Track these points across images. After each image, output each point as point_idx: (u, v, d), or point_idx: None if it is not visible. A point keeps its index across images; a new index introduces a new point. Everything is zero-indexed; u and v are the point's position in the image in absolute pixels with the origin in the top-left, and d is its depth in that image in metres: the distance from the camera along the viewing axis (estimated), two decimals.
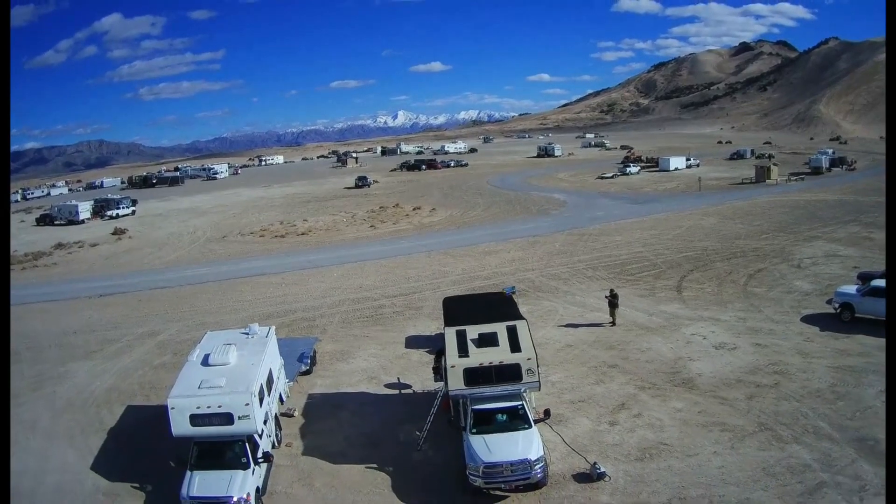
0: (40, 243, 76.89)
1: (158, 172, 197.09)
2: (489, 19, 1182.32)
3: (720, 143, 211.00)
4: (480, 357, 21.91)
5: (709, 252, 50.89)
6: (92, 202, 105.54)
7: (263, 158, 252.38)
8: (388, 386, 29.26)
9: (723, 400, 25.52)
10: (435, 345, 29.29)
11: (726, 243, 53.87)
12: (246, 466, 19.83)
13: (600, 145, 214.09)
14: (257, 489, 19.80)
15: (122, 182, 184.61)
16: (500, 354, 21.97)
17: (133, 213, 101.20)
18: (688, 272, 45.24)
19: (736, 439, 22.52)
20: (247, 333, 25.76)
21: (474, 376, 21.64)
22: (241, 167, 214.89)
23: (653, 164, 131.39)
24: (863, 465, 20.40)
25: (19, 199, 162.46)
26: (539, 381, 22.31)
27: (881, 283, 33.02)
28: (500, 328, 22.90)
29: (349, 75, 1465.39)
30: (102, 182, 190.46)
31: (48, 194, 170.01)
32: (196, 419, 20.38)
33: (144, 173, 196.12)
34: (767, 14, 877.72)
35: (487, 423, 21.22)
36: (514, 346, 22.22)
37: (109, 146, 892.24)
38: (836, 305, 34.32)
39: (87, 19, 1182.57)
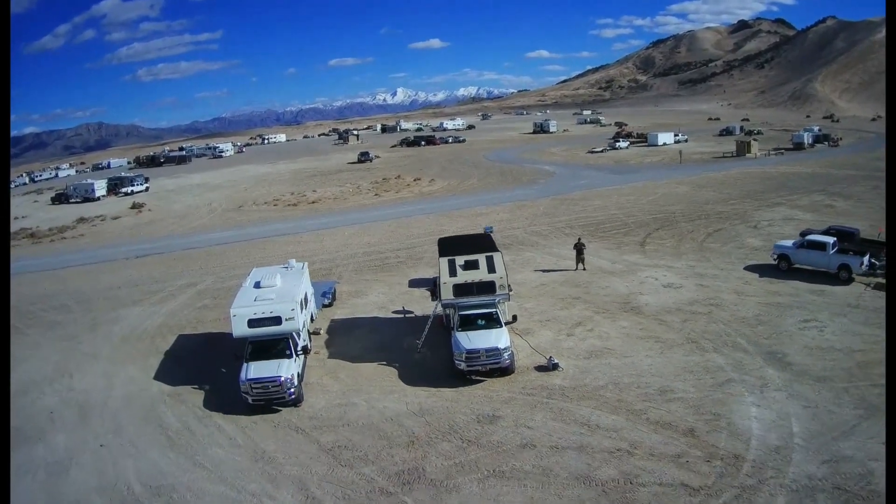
0: (61, 219, 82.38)
1: (165, 152, 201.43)
2: None
3: (710, 119, 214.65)
4: (465, 276, 29.17)
5: (676, 215, 56.70)
6: (106, 180, 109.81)
7: (266, 137, 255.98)
8: (395, 312, 35.88)
9: (661, 322, 31.76)
10: (432, 284, 35.57)
11: (694, 207, 59.61)
12: (290, 356, 26.28)
13: (595, 122, 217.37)
14: (298, 374, 26.18)
15: (129, 162, 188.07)
16: (479, 275, 29.26)
17: (147, 189, 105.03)
18: (653, 230, 51.19)
19: (666, 347, 28.75)
20: (286, 267, 32.87)
21: (461, 290, 28.92)
22: (244, 145, 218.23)
23: (642, 139, 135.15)
24: (768, 370, 26.16)
25: (27, 182, 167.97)
26: (508, 295, 29.63)
27: (815, 237, 39.23)
28: (480, 257, 29.94)
29: (347, 53, 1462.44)
30: (109, 163, 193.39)
31: (56, 176, 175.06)
32: (252, 322, 27.04)
33: (151, 153, 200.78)
34: None
35: (469, 323, 28.13)
36: (491, 269, 29.40)
37: (108, 128, 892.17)
38: (775, 256, 40.24)
39: (86, 3, 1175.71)
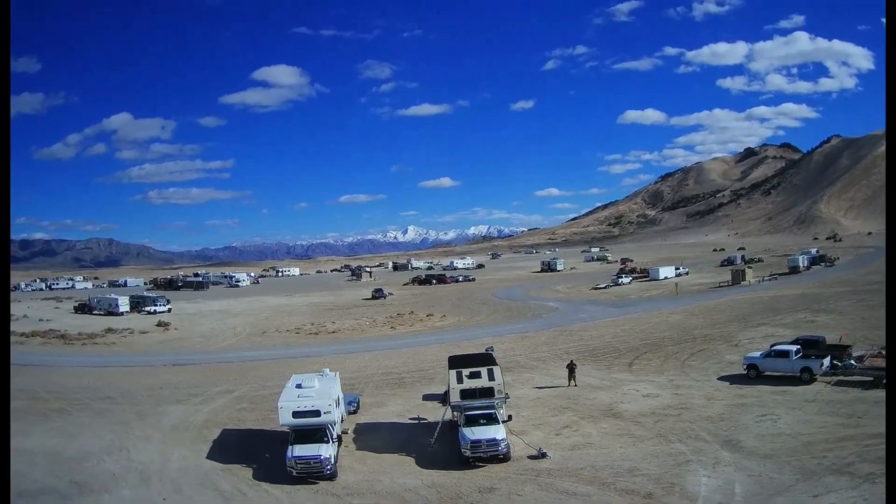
0: (89, 327, 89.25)
1: (182, 276, 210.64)
2: (496, 135, 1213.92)
3: (714, 250, 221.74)
4: (470, 384, 35.54)
5: (665, 339, 62.52)
6: (129, 297, 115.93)
7: (280, 270, 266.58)
8: (411, 418, 41.88)
9: (637, 423, 37.24)
10: (443, 395, 41.44)
11: (682, 333, 65.52)
12: (327, 441, 32.21)
13: (602, 258, 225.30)
14: (333, 455, 31.89)
15: (146, 283, 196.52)
16: (482, 382, 35.60)
17: (169, 311, 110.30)
18: (641, 353, 56.90)
19: (637, 441, 34.21)
20: (322, 374, 39.17)
21: (466, 394, 35.31)
22: (259, 276, 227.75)
23: (644, 274, 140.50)
24: (722, 453, 31.42)
25: (44, 288, 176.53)
26: (505, 399, 36.00)
27: (779, 346, 45.68)
28: (483, 369, 36.26)
29: (358, 189, 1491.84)
30: (126, 281, 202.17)
31: (72, 286, 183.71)
32: (296, 414, 33.30)
33: (169, 276, 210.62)
34: (772, 116, 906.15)
35: (473, 421, 33.92)
36: (491, 378, 35.76)
37: (119, 246, 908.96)
38: (745, 366, 46.14)
39: (97, 115, 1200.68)
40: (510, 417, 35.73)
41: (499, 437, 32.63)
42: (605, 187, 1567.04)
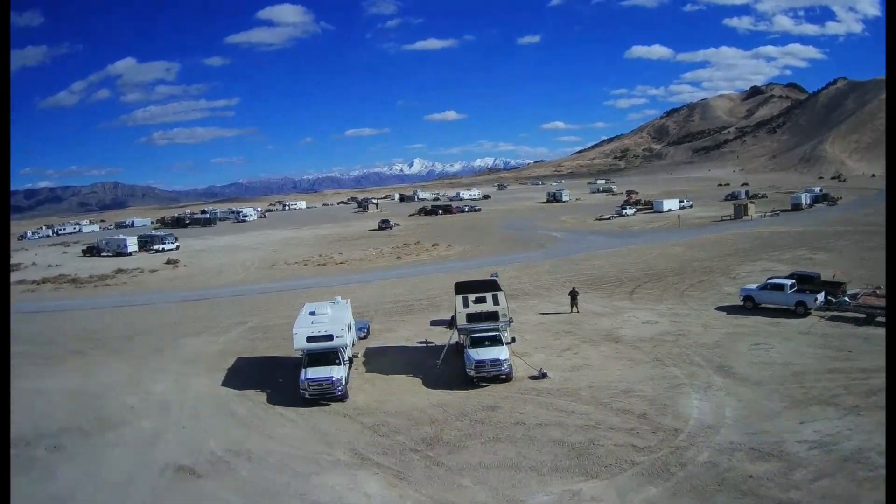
0: (99, 269, 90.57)
1: (190, 214, 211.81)
2: (503, 69, 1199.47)
3: (720, 185, 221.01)
4: (476, 308, 37.03)
5: (665, 270, 63.72)
6: (137, 237, 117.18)
7: (287, 203, 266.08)
8: (419, 342, 43.75)
9: (635, 347, 38.85)
10: (450, 320, 43.04)
11: (683, 264, 66.64)
12: (339, 364, 33.83)
13: (608, 190, 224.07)
14: (344, 377, 33.57)
15: (153, 222, 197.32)
16: (487, 307, 37.03)
17: (177, 248, 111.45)
18: (642, 283, 58.27)
19: (635, 364, 35.85)
20: (334, 301, 40.88)
21: (472, 318, 36.94)
22: (266, 211, 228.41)
23: (648, 206, 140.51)
24: (715, 378, 32.97)
25: (51, 234, 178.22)
26: (509, 322, 37.47)
27: (775, 280, 46.74)
28: (488, 294, 37.58)
29: (364, 123, 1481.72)
30: (133, 222, 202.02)
31: (79, 231, 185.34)
32: (310, 339, 34.83)
33: (176, 214, 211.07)
34: (778, 56, 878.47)
35: (478, 342, 35.69)
36: (495, 303, 37.13)
37: (124, 188, 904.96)
38: (741, 297, 47.44)
39: (101, 62, 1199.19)
40: (513, 339, 37.69)
41: (502, 357, 34.38)
42: (610, 121, 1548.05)
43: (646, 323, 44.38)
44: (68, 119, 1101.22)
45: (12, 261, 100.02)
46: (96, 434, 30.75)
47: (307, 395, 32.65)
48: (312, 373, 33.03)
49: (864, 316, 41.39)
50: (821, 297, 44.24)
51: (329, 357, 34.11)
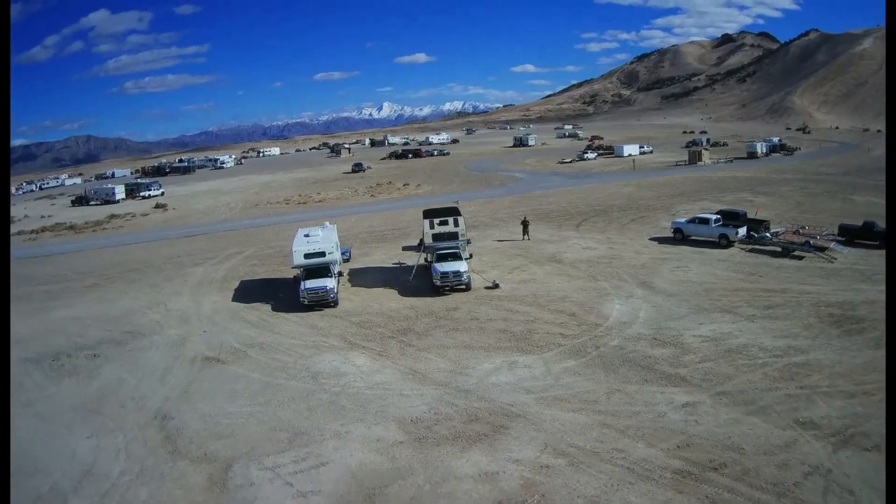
0: (92, 216, 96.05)
1: (169, 162, 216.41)
2: (473, 11, 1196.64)
3: (685, 132, 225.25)
4: (440, 229, 44.79)
5: (612, 207, 71.39)
6: (124, 185, 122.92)
7: (261, 150, 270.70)
8: (393, 263, 51.61)
9: (574, 267, 46.81)
10: (419, 243, 50.34)
11: (630, 202, 74.27)
12: (331, 276, 41.23)
13: (574, 136, 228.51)
14: (335, 287, 41.03)
15: (134, 172, 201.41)
16: (449, 228, 44.80)
17: (162, 194, 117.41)
18: (589, 217, 66.04)
19: (572, 279, 43.79)
20: (323, 226, 47.74)
21: (437, 237, 44.73)
22: (241, 158, 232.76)
23: (609, 151, 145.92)
24: (636, 290, 40.72)
25: (35, 189, 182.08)
26: (467, 241, 45.29)
27: (702, 215, 53.80)
28: (450, 218, 45.23)
29: (333, 67, 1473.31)
30: (114, 173, 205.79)
31: (62, 184, 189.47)
32: (307, 255, 42.18)
33: (156, 163, 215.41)
34: (751, 5, 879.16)
35: (443, 258, 43.28)
36: (456, 224, 44.87)
37: (97, 141, 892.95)
38: (672, 230, 54.80)
39: (75, 15, 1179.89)
40: (471, 256, 45.00)
41: (462, 269, 41.96)
42: (581, 65, 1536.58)
43: (586, 249, 52.19)
44: (43, 74, 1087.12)
45: None
46: (130, 342, 37.14)
47: (306, 302, 40.02)
48: (310, 283, 40.29)
49: (780, 250, 47.09)
50: (742, 231, 50.50)
51: (322, 271, 41.38)
